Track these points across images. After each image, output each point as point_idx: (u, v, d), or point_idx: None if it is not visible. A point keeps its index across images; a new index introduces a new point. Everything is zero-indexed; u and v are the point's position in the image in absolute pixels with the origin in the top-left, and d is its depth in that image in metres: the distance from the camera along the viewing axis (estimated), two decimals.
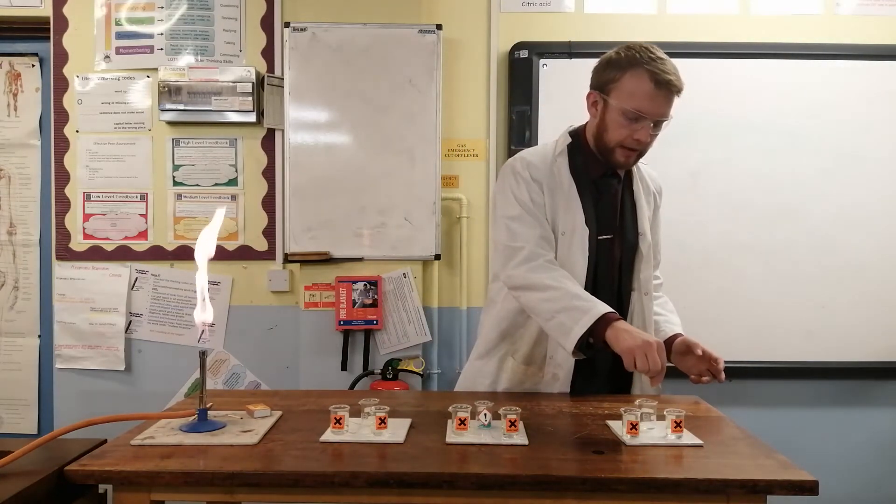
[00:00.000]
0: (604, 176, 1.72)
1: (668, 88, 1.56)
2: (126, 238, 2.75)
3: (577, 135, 1.74)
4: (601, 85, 1.64)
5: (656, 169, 1.88)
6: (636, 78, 1.57)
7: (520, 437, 1.33)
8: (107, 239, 2.75)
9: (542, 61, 2.66)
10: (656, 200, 1.81)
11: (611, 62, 1.63)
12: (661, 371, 1.43)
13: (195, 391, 2.63)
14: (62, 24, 2.71)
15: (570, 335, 1.52)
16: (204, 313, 1.45)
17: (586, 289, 1.62)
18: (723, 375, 1.60)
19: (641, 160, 1.73)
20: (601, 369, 1.73)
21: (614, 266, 1.71)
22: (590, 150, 1.71)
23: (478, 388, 1.78)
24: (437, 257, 2.70)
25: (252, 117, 2.65)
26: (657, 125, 1.60)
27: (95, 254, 2.74)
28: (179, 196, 2.75)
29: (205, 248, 1.44)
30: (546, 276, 1.60)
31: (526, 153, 1.76)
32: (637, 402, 1.43)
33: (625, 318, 1.63)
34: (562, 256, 1.67)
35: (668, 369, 1.43)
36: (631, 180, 1.76)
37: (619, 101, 1.59)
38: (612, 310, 1.53)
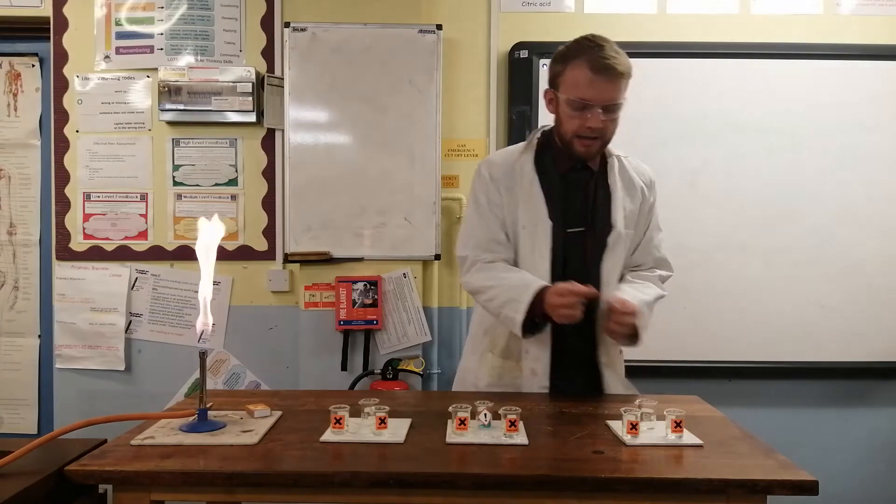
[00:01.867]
0: (572, 170, 1.74)
1: (606, 73, 1.59)
2: (126, 238, 2.75)
3: (549, 132, 1.79)
4: (551, 80, 1.71)
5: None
6: (576, 68, 1.62)
7: (520, 437, 1.33)
8: (107, 239, 2.75)
9: (542, 61, 2.66)
10: (643, 194, 1.79)
11: (556, 57, 1.69)
12: (572, 303, 1.54)
13: (195, 391, 2.63)
14: (62, 24, 2.70)
15: (516, 325, 1.63)
16: (206, 319, 1.44)
17: (554, 281, 1.65)
18: (619, 317, 1.59)
19: (627, 155, 1.78)
20: (574, 363, 1.75)
21: (586, 258, 1.72)
22: (558, 146, 1.74)
23: (465, 385, 1.83)
24: (437, 257, 2.69)
25: (252, 117, 2.65)
26: (608, 111, 1.62)
27: (95, 254, 2.74)
28: (179, 196, 2.75)
29: (208, 257, 1.44)
30: (484, 277, 1.70)
31: (493, 154, 1.84)
32: (637, 402, 1.43)
33: (594, 311, 1.67)
34: (525, 250, 1.72)
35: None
36: (606, 173, 1.76)
37: (566, 92, 1.64)
38: (540, 283, 1.62)
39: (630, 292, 1.69)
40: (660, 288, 1.80)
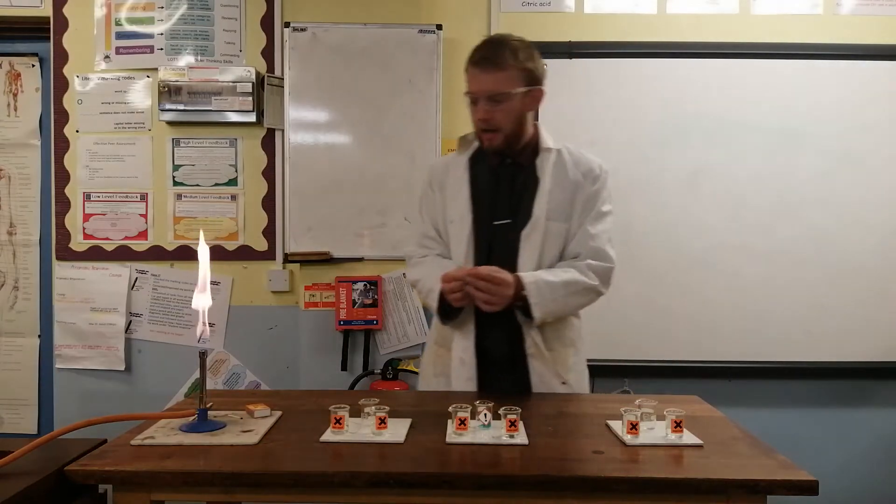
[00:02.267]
0: (502, 164, 1.79)
1: (481, 65, 1.68)
2: (126, 238, 2.75)
3: None
4: None
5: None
6: (467, 65, 1.73)
7: (520, 437, 1.33)
8: (107, 239, 2.75)
9: (542, 61, 2.65)
10: (579, 185, 1.78)
11: None
12: (456, 287, 1.63)
13: (195, 391, 2.63)
14: (62, 24, 2.70)
15: (434, 313, 1.78)
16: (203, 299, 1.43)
17: None
18: (473, 279, 1.62)
19: (569, 146, 1.83)
20: (499, 353, 1.76)
21: (511, 250, 1.74)
22: None
23: (421, 376, 1.94)
24: None
25: (252, 117, 2.65)
26: (493, 101, 1.68)
27: (95, 254, 2.74)
28: (179, 196, 2.75)
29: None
30: (416, 272, 1.85)
31: (439, 158, 1.94)
32: (637, 402, 1.43)
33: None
34: (453, 243, 1.80)
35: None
36: (537, 166, 1.79)
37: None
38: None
39: (537, 273, 1.70)
40: (583, 275, 1.72)
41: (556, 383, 1.75)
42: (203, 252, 1.45)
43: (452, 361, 1.77)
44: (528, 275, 1.68)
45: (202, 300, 1.42)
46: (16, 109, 2.83)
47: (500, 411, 1.35)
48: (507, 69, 1.67)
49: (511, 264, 1.71)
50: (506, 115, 1.69)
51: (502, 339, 1.75)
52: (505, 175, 1.79)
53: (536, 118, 1.90)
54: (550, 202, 1.74)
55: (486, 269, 1.63)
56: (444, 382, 1.80)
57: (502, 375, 1.76)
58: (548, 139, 1.80)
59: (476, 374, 1.74)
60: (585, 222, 1.77)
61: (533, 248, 1.73)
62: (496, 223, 1.76)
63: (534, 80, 1.72)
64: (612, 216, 1.83)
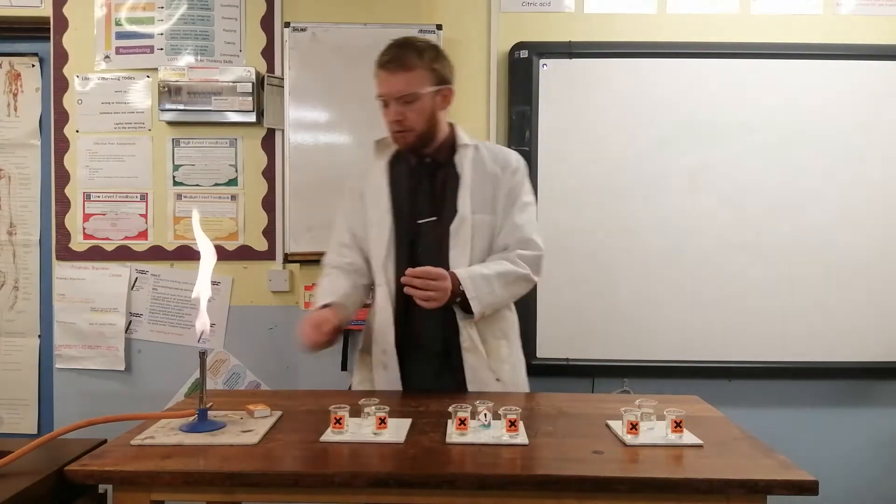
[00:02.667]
0: (420, 163, 1.82)
1: (387, 68, 1.72)
2: (126, 238, 2.75)
3: None
4: None
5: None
6: (375, 69, 1.75)
7: (520, 437, 1.33)
8: (107, 239, 2.75)
9: (542, 61, 2.66)
10: (498, 178, 1.81)
11: None
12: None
13: (195, 391, 2.63)
14: (62, 24, 2.70)
15: None
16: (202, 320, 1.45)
17: (400, 275, 1.70)
18: (409, 278, 1.63)
19: (484, 142, 1.88)
20: (432, 352, 1.79)
21: (439, 246, 1.77)
22: None
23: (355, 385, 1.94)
24: None
25: (252, 117, 2.65)
26: (403, 102, 1.72)
27: (95, 254, 2.74)
28: (179, 196, 2.74)
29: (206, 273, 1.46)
30: (318, 287, 1.85)
31: (357, 166, 2.00)
32: (637, 402, 1.43)
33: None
34: (374, 247, 1.81)
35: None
36: (456, 163, 1.81)
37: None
38: (319, 305, 1.71)
39: (470, 268, 1.73)
40: (515, 265, 1.76)
41: (491, 379, 1.77)
42: (202, 241, 1.46)
43: (374, 364, 1.80)
44: (461, 270, 1.70)
45: (204, 279, 1.44)
46: (16, 109, 2.83)
47: (500, 411, 1.35)
48: (415, 70, 1.72)
49: (440, 261, 1.73)
50: (417, 115, 1.73)
51: (437, 337, 1.77)
52: (425, 173, 1.82)
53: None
54: (473, 196, 1.78)
55: (419, 268, 1.64)
56: (368, 385, 1.84)
57: (434, 373, 1.79)
58: (464, 136, 1.85)
59: (400, 377, 1.77)
60: (511, 214, 1.81)
61: (463, 242, 1.76)
62: (420, 222, 1.78)
63: (442, 80, 1.77)
64: (534, 206, 1.88)
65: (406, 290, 1.63)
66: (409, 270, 1.63)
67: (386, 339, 1.77)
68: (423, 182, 1.81)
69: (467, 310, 1.71)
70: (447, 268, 1.70)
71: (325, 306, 1.71)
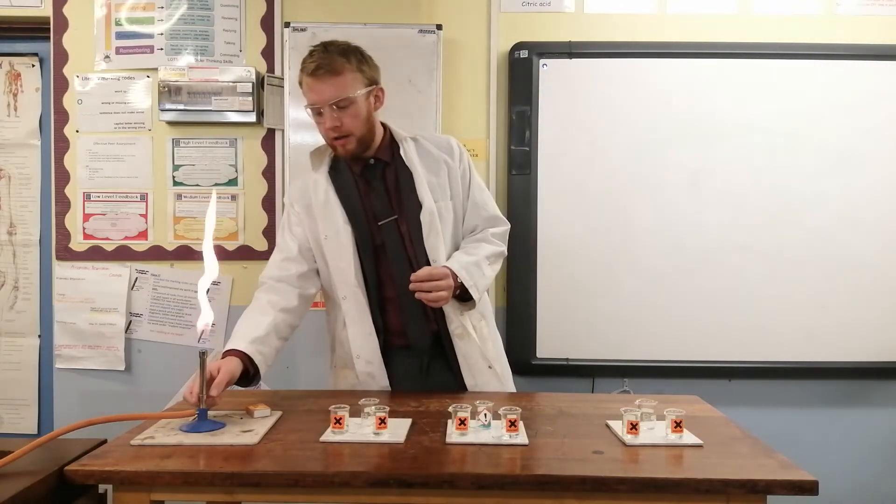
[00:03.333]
0: (367, 167, 1.80)
1: (315, 75, 1.67)
2: (126, 238, 2.75)
3: None
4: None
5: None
6: (302, 77, 1.71)
7: (520, 437, 1.33)
8: (107, 239, 2.75)
9: (542, 61, 2.66)
10: (447, 164, 1.83)
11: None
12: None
13: None
14: (62, 24, 2.70)
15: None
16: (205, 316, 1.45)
17: (376, 274, 1.76)
18: (418, 284, 1.63)
19: (419, 134, 1.86)
20: (417, 348, 1.79)
21: (406, 243, 1.77)
22: None
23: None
24: None
25: (252, 117, 2.65)
26: (339, 108, 1.68)
27: (95, 254, 2.74)
28: (179, 196, 2.75)
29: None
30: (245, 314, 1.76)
31: (292, 182, 1.92)
32: (637, 402, 1.43)
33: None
34: (332, 259, 1.78)
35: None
36: (402, 158, 1.81)
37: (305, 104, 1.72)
38: (228, 350, 1.61)
39: (457, 257, 1.74)
40: (492, 245, 1.83)
41: (484, 366, 1.78)
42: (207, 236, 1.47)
43: (360, 377, 1.78)
44: (452, 262, 1.72)
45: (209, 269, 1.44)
46: (16, 109, 2.83)
47: (500, 411, 1.35)
48: (344, 73, 1.68)
49: (412, 258, 1.75)
50: (353, 119, 1.71)
51: (424, 332, 1.77)
52: (375, 175, 1.80)
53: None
54: (430, 185, 1.78)
55: (422, 272, 1.63)
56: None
57: (423, 370, 1.79)
58: (399, 131, 1.84)
59: (388, 384, 1.78)
60: (471, 195, 1.85)
61: (436, 233, 1.76)
62: (381, 223, 1.77)
63: (372, 81, 1.76)
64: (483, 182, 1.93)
65: (417, 295, 1.63)
66: (415, 276, 1.63)
67: (370, 349, 1.76)
68: (374, 183, 1.80)
69: (459, 299, 1.73)
70: (423, 262, 1.73)
71: (229, 352, 1.61)
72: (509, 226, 1.91)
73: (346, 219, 1.77)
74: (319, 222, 1.79)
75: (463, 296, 1.73)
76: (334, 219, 1.77)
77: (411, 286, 1.63)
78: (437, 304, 1.66)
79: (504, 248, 1.86)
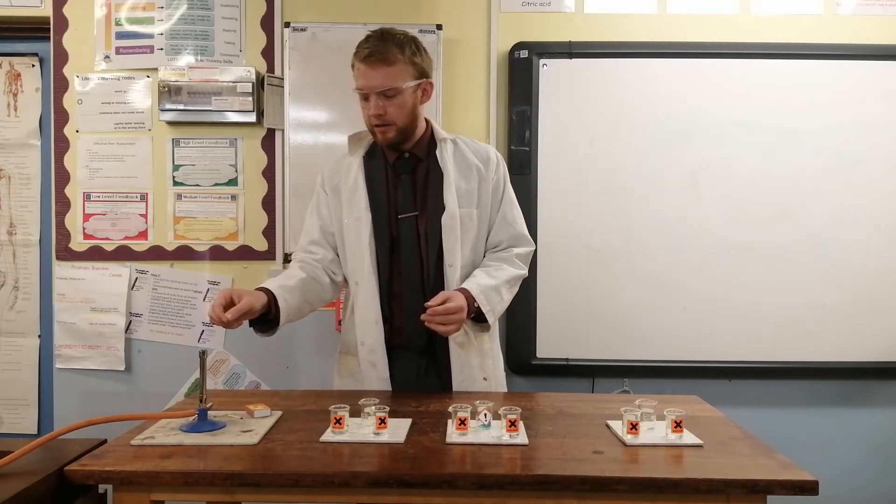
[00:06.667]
0: (399, 159, 1.80)
1: (368, 61, 1.68)
2: (126, 238, 2.75)
3: None
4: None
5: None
6: (354, 61, 1.72)
7: (520, 437, 1.33)
8: (107, 239, 2.75)
9: (542, 61, 2.66)
10: (481, 173, 1.82)
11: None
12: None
13: (195, 391, 2.63)
14: (62, 24, 2.70)
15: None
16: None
17: (390, 266, 1.77)
18: (430, 315, 1.61)
19: (461, 137, 1.86)
20: (413, 348, 1.79)
21: (422, 241, 1.77)
22: None
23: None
24: None
25: (252, 117, 2.65)
26: (385, 96, 1.70)
27: (95, 254, 2.74)
28: (179, 196, 2.74)
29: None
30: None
31: (329, 161, 1.93)
32: (637, 402, 1.43)
33: (437, 291, 1.70)
34: (350, 244, 1.79)
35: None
36: (437, 158, 1.81)
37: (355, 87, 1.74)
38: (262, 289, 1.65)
39: (479, 279, 1.74)
40: (515, 267, 1.82)
41: (479, 378, 1.78)
42: None
43: (362, 365, 1.79)
44: (472, 286, 1.70)
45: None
46: (16, 109, 2.83)
47: (500, 411, 1.35)
48: (396, 64, 1.69)
49: (424, 257, 1.75)
50: (398, 110, 1.71)
51: (421, 334, 1.75)
52: (405, 168, 1.81)
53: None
54: (458, 190, 1.78)
55: (439, 305, 1.61)
56: (353, 384, 1.83)
57: (420, 372, 1.79)
58: (441, 131, 1.85)
59: (389, 375, 1.77)
60: (500, 209, 1.84)
61: (454, 237, 1.76)
62: (401, 216, 1.77)
63: (422, 74, 1.75)
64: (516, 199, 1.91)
65: (428, 324, 1.62)
66: (431, 310, 1.60)
67: (373, 337, 1.76)
68: (403, 176, 1.80)
69: (475, 319, 1.73)
70: (437, 264, 1.73)
71: (259, 290, 1.66)
72: (534, 247, 1.90)
73: (369, 206, 1.77)
74: (345, 207, 1.81)
75: (478, 317, 1.73)
76: (358, 205, 1.78)
77: (423, 316, 1.61)
78: (446, 335, 1.66)
79: (525, 272, 1.85)
